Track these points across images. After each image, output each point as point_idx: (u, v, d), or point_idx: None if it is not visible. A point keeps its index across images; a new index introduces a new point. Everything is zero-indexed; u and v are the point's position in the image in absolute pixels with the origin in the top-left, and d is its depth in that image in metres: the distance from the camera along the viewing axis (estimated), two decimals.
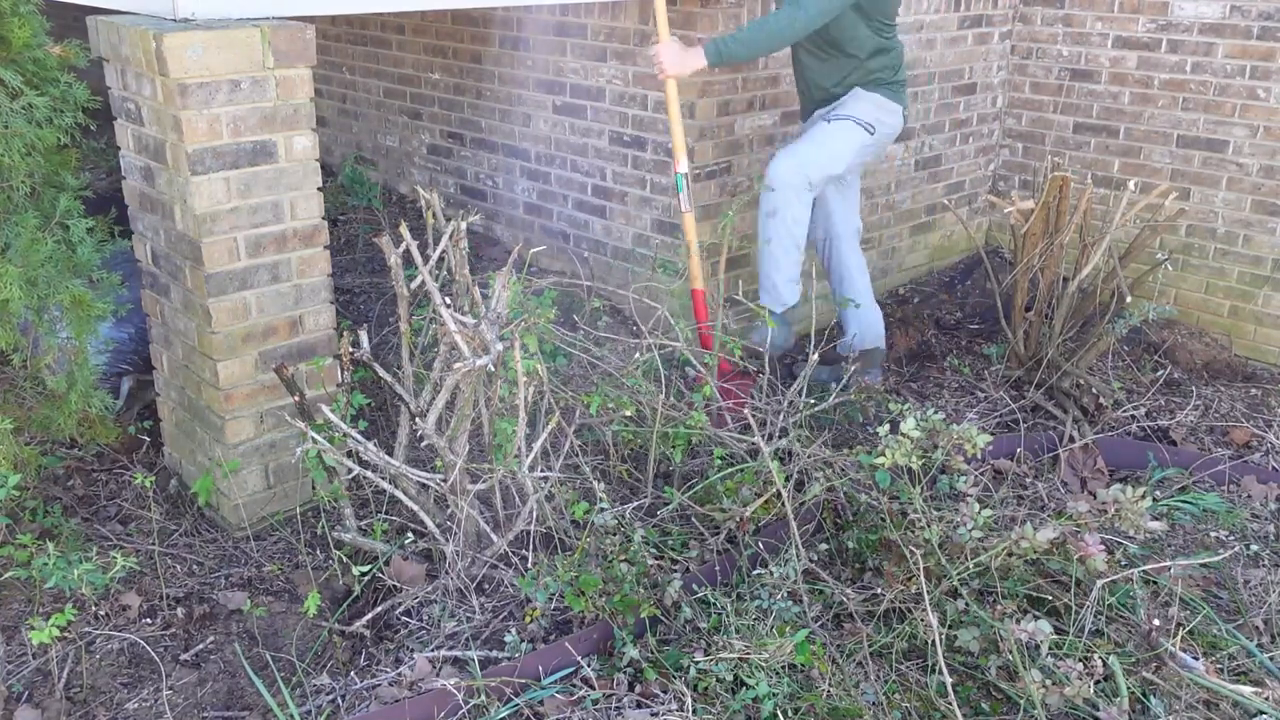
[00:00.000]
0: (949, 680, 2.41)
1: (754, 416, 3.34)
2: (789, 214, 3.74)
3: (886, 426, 2.83)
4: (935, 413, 2.86)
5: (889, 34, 3.75)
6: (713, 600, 2.75)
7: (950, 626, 2.66)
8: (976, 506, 2.77)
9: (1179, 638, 2.67)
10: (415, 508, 2.80)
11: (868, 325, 4.14)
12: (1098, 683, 2.49)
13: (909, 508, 2.90)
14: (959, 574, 2.72)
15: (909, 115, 3.93)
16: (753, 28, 3.49)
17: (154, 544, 3.03)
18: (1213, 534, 3.33)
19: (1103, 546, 2.68)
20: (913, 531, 2.85)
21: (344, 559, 2.86)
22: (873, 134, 3.76)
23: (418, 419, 2.69)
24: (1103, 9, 4.77)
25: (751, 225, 4.32)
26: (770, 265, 3.85)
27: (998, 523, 3.10)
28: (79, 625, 2.69)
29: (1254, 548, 3.26)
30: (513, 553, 2.84)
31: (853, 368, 3.80)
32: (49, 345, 2.94)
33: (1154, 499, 3.46)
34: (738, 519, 2.99)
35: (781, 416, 3.41)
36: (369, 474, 2.74)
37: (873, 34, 3.69)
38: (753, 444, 3.20)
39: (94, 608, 2.77)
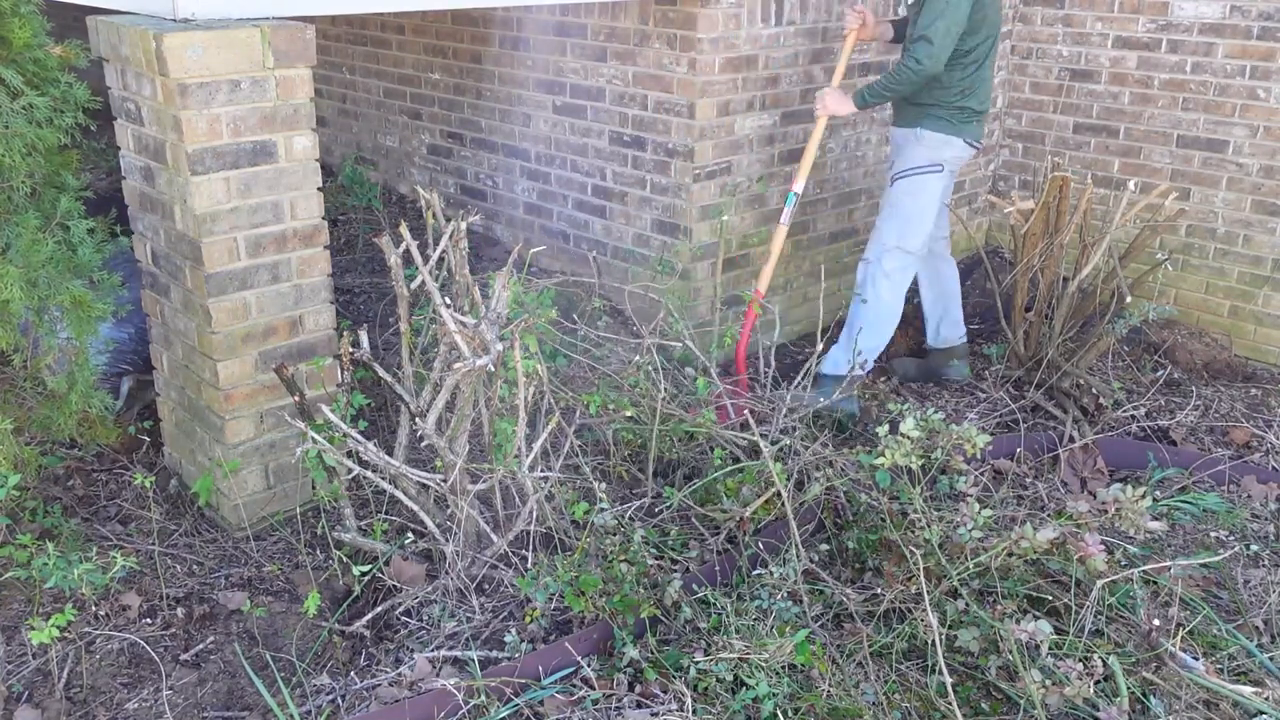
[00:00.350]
0: (949, 680, 2.41)
1: (754, 416, 3.34)
2: (899, 283, 3.98)
3: (886, 426, 2.83)
4: (935, 413, 2.86)
5: (955, 65, 3.78)
6: (713, 600, 2.75)
7: (950, 626, 2.66)
8: (976, 506, 2.77)
9: (1179, 638, 2.67)
10: (415, 508, 2.80)
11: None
12: (1098, 683, 2.48)
13: (909, 508, 2.90)
14: (959, 574, 2.72)
15: (980, 137, 3.97)
16: (886, 79, 3.76)
17: (154, 544, 3.03)
18: (1213, 534, 3.33)
19: (1102, 546, 2.68)
20: (913, 531, 2.85)
21: (344, 559, 2.86)
22: (942, 170, 3.91)
23: (418, 419, 2.69)
24: (1103, 9, 4.77)
25: (751, 225, 4.32)
26: (869, 334, 3.97)
27: (998, 523, 3.10)
28: (79, 625, 2.69)
29: (1254, 548, 3.26)
30: (513, 553, 2.84)
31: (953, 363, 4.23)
32: (49, 345, 2.94)
33: (1154, 499, 3.45)
34: (737, 519, 2.99)
35: (782, 415, 3.42)
36: (369, 474, 2.74)
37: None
38: (753, 443, 3.20)
39: (94, 608, 2.77)
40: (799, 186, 3.97)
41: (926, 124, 3.87)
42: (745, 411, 3.25)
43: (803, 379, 3.64)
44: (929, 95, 3.81)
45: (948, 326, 4.28)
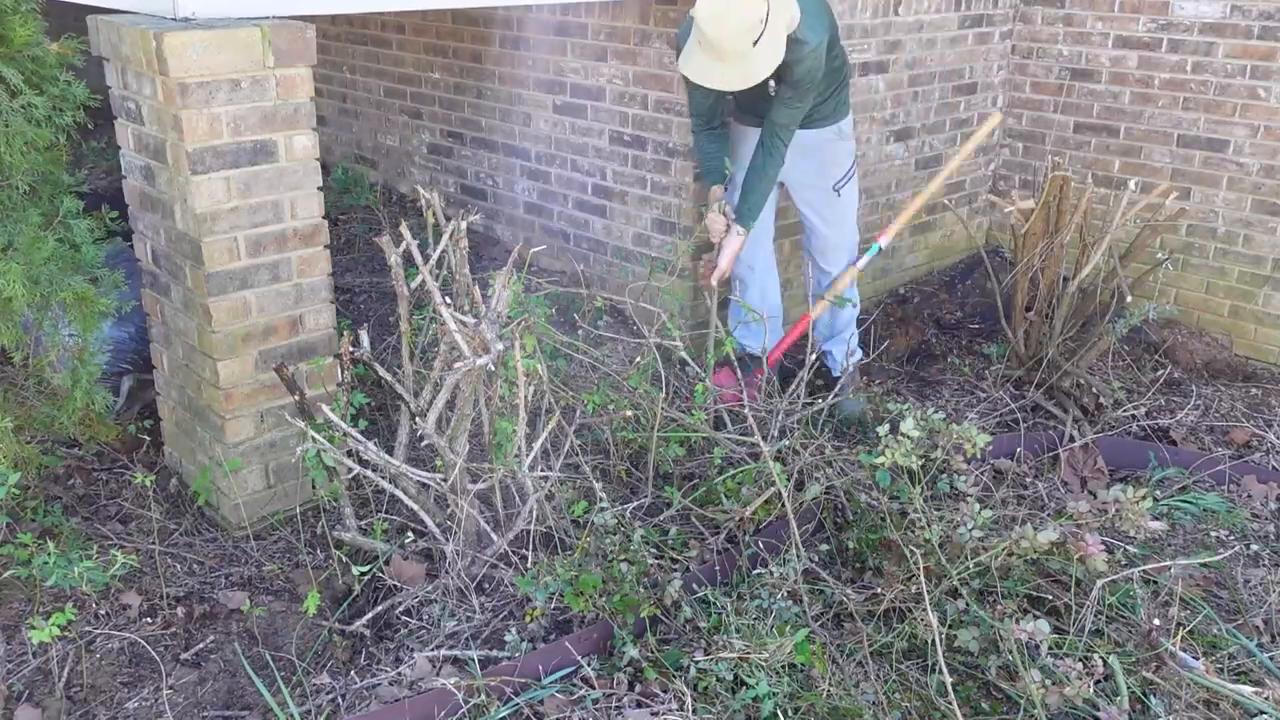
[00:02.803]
0: (949, 680, 2.41)
1: (754, 416, 3.34)
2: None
3: (886, 426, 2.83)
4: (935, 412, 2.86)
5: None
6: (713, 600, 2.75)
7: (950, 626, 2.66)
8: (976, 506, 2.77)
9: (1179, 637, 2.67)
10: (415, 507, 2.80)
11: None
12: (1098, 682, 2.48)
13: (909, 508, 2.90)
14: (959, 574, 2.72)
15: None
16: (757, 182, 3.59)
17: (154, 543, 3.03)
18: (1213, 534, 3.33)
19: (1103, 546, 2.68)
20: (913, 531, 2.85)
21: (344, 559, 2.86)
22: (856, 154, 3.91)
23: (418, 419, 2.69)
24: (1103, 9, 4.77)
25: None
26: (849, 329, 4.09)
27: (997, 522, 3.10)
28: (79, 624, 2.69)
29: (1254, 548, 3.26)
30: (513, 552, 2.84)
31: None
32: (52, 343, 2.94)
33: (1154, 499, 3.45)
34: (738, 519, 2.99)
35: (782, 415, 3.41)
36: (369, 473, 2.74)
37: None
38: (754, 445, 3.20)
39: (94, 607, 2.77)
40: (885, 241, 3.95)
41: (841, 111, 3.74)
42: (745, 397, 3.29)
43: (802, 381, 3.64)
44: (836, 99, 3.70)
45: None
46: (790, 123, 3.49)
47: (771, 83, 3.41)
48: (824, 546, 2.98)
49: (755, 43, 3.20)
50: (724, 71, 3.27)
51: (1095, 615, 2.72)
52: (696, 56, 3.30)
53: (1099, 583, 2.69)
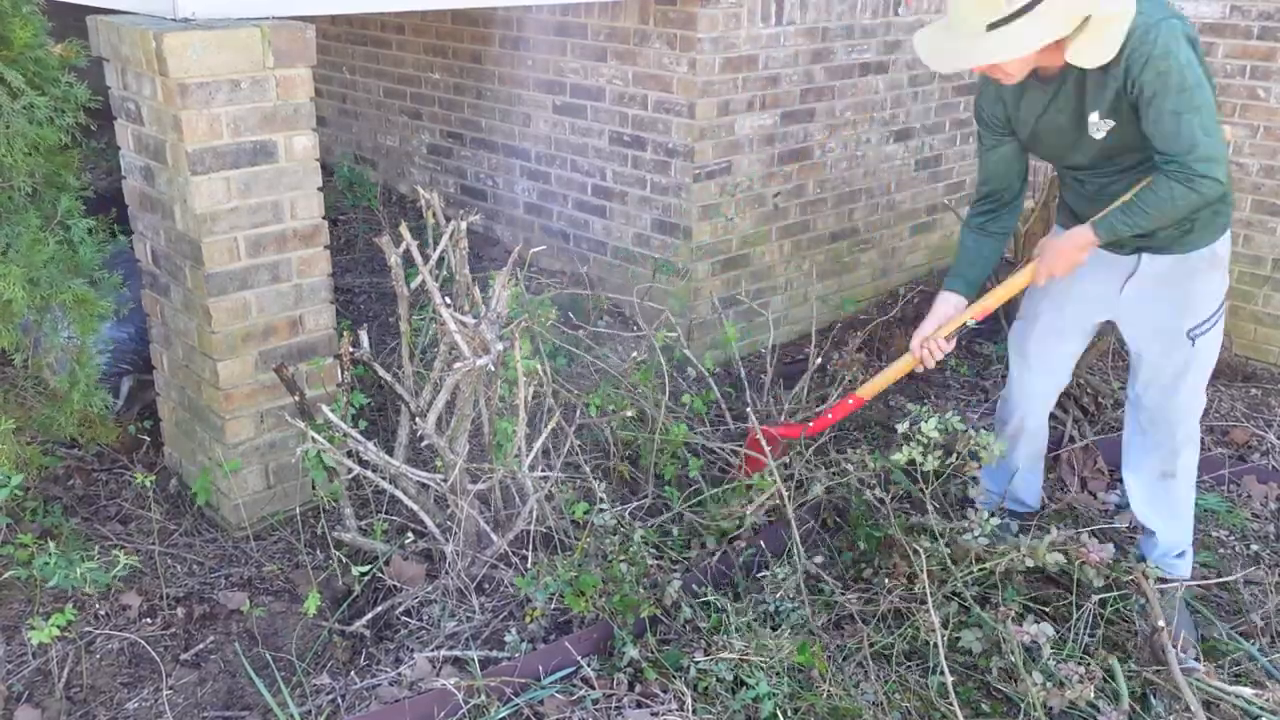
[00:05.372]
0: (949, 679, 2.41)
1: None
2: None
3: (906, 423, 2.77)
4: (955, 416, 2.75)
5: None
6: (713, 600, 2.75)
7: (952, 630, 2.66)
8: (985, 514, 2.75)
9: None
10: (415, 508, 2.80)
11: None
12: (1099, 686, 2.48)
13: (914, 512, 2.89)
14: (963, 576, 2.72)
15: None
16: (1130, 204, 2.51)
17: (154, 544, 3.03)
18: (1213, 534, 3.33)
19: (1105, 551, 2.67)
20: (917, 534, 2.85)
21: (344, 559, 2.86)
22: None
23: (418, 419, 2.69)
24: None
25: (752, 225, 4.32)
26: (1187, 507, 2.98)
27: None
28: (79, 625, 2.69)
29: (1254, 548, 3.26)
30: (513, 553, 2.84)
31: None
32: (51, 345, 2.94)
33: None
34: (738, 520, 2.99)
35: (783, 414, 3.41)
36: (369, 474, 2.74)
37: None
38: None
39: (94, 607, 2.77)
40: (979, 318, 2.88)
41: (1213, 229, 2.64)
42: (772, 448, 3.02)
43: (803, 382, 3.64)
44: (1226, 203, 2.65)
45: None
46: (1198, 143, 2.32)
47: (1094, 116, 2.46)
48: (819, 559, 2.91)
49: (1009, 18, 2.30)
50: (955, 46, 2.39)
51: (1097, 617, 2.72)
52: (931, 33, 2.48)
53: (1094, 597, 2.69)
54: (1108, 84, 2.39)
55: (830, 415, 3.20)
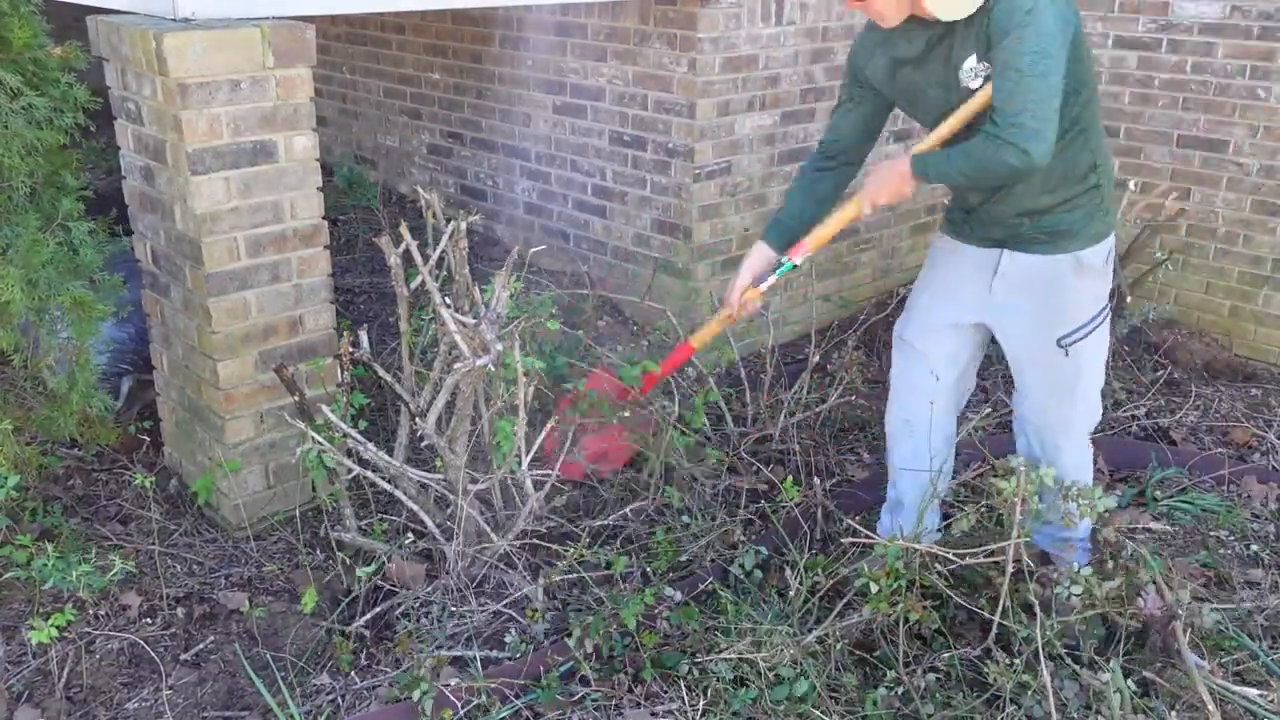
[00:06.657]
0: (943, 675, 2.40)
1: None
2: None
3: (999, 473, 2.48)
4: (1049, 471, 2.45)
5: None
6: (713, 600, 2.74)
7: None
8: (1077, 567, 2.51)
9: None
10: (415, 508, 2.80)
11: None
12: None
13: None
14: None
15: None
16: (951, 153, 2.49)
17: (154, 544, 3.03)
18: (1213, 534, 3.33)
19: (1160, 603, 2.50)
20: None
21: (345, 560, 2.86)
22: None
23: (418, 419, 2.69)
24: (1103, 9, 4.77)
25: (752, 225, 4.32)
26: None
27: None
28: (79, 625, 2.69)
29: (1254, 548, 3.26)
30: (513, 553, 2.84)
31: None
32: (50, 346, 2.94)
33: (1154, 499, 3.46)
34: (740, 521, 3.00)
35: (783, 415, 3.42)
36: (369, 474, 2.74)
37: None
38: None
39: (94, 608, 2.77)
40: (799, 258, 2.89)
41: (1083, 237, 2.56)
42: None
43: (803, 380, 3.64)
44: (1051, 186, 2.52)
45: None
46: (1023, 110, 2.28)
47: (969, 61, 2.41)
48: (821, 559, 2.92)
49: None
50: None
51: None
52: None
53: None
54: (978, 35, 2.38)
55: (662, 368, 3.24)
